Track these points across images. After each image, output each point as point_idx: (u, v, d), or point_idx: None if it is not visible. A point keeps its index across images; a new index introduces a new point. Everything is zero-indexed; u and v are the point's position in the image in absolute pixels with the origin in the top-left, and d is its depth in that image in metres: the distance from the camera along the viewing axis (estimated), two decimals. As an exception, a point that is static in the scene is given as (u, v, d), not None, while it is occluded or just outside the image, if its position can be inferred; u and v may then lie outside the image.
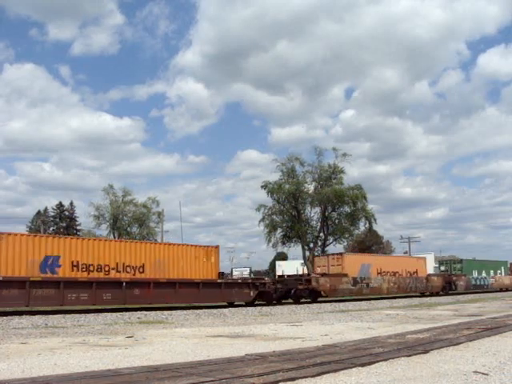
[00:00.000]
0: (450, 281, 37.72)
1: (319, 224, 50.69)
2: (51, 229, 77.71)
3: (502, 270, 46.00)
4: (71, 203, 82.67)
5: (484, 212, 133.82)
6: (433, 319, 13.17)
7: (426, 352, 6.45)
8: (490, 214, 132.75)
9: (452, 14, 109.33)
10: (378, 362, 5.73)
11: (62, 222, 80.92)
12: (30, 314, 17.69)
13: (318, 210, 50.82)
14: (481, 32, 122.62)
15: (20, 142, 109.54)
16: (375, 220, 50.72)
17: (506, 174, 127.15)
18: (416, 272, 35.41)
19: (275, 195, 49.45)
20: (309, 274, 29.65)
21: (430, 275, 36.88)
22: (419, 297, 33.30)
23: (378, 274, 32.22)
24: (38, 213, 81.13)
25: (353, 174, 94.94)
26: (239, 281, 26.74)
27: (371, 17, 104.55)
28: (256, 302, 25.76)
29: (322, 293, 28.40)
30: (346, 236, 51.51)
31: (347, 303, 25.49)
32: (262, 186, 50.23)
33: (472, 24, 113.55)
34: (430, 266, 44.02)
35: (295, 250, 49.99)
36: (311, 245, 50.17)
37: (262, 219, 49.93)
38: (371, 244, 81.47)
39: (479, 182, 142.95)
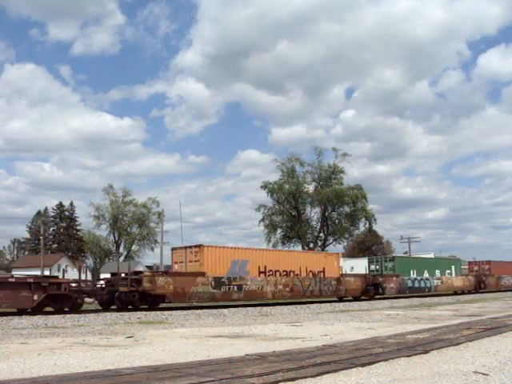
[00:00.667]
0: (376, 282, 30.91)
1: (319, 224, 50.77)
2: (51, 229, 77.75)
3: (453, 270, 39.33)
4: (71, 203, 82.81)
5: (484, 212, 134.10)
6: (433, 319, 13.17)
7: (425, 352, 6.45)
8: (490, 214, 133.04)
9: (452, 14, 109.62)
10: (377, 362, 5.74)
11: (62, 222, 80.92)
12: (29, 314, 17.69)
13: (318, 210, 50.95)
14: (481, 32, 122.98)
15: (20, 141, 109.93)
16: (375, 220, 50.86)
17: (507, 174, 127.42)
18: (323, 271, 28.47)
19: (275, 195, 49.53)
20: (139, 272, 23.30)
21: (344, 276, 30.26)
22: (336, 301, 27.71)
23: (259, 273, 25.53)
24: (38, 213, 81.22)
25: (353, 173, 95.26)
26: (12, 279, 18.96)
27: (372, 17, 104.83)
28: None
29: (166, 298, 21.61)
30: (346, 236, 51.62)
31: (348, 303, 25.48)
32: (261, 186, 50.35)
33: (472, 24, 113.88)
34: (362, 266, 37.71)
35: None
36: (311, 245, 50.19)
37: (262, 219, 50.02)
38: (371, 244, 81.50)
39: (479, 181, 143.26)
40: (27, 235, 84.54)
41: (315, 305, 23.68)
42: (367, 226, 51.43)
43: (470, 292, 38.37)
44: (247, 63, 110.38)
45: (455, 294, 37.26)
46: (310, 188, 50.78)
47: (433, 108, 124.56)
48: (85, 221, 79.19)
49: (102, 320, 15.15)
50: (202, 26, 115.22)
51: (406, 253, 65.09)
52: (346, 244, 56.08)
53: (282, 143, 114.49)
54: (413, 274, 35.19)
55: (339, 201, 48.79)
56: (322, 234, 50.89)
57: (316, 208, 51.07)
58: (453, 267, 39.59)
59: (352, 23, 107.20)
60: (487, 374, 5.02)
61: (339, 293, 28.89)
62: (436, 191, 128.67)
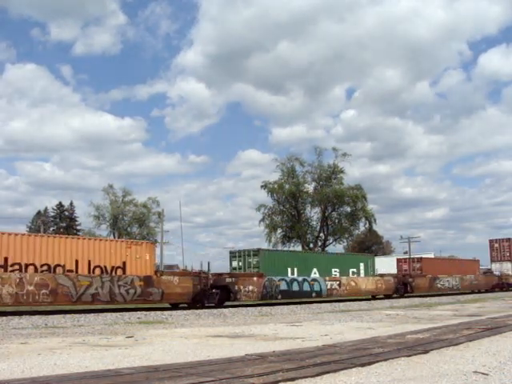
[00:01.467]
0: (223, 284, 23.64)
1: (319, 224, 50.73)
2: (51, 229, 77.71)
3: (362, 269, 30.93)
4: (71, 203, 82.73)
5: (484, 212, 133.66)
6: (433, 319, 13.18)
7: (425, 352, 6.45)
8: (490, 214, 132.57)
9: (453, 14, 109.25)
10: (377, 362, 5.74)
11: (62, 222, 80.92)
12: (29, 314, 17.69)
13: (318, 210, 50.91)
14: (482, 32, 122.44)
15: (21, 141, 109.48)
16: (375, 220, 50.82)
17: (507, 174, 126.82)
18: (123, 267, 21.22)
19: (275, 195, 49.54)
20: None
21: (161, 274, 22.49)
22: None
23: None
24: (38, 213, 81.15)
25: (353, 173, 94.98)
26: None
27: (372, 17, 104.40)
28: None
29: None
30: (346, 236, 51.58)
31: (347, 303, 25.46)
32: (262, 186, 50.34)
33: (473, 24, 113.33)
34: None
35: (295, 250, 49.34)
36: (311, 245, 50.17)
37: (263, 219, 50.00)
38: (371, 244, 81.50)
39: (480, 181, 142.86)
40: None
41: (315, 305, 23.69)
42: (367, 225, 51.43)
43: (389, 297, 30.95)
44: (248, 63, 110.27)
45: (373, 298, 30.30)
46: (310, 188, 50.86)
47: (433, 108, 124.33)
48: (85, 221, 78.99)
49: (101, 320, 15.17)
50: (203, 26, 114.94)
51: (405, 252, 65.10)
52: (346, 244, 56.06)
53: (282, 143, 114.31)
54: (291, 274, 27.07)
55: (339, 201, 48.80)
56: (322, 234, 50.90)
57: (316, 208, 51.11)
58: (361, 265, 31.18)
59: (352, 23, 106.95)
60: (487, 374, 5.02)
61: (150, 298, 21.06)
62: (436, 191, 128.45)
